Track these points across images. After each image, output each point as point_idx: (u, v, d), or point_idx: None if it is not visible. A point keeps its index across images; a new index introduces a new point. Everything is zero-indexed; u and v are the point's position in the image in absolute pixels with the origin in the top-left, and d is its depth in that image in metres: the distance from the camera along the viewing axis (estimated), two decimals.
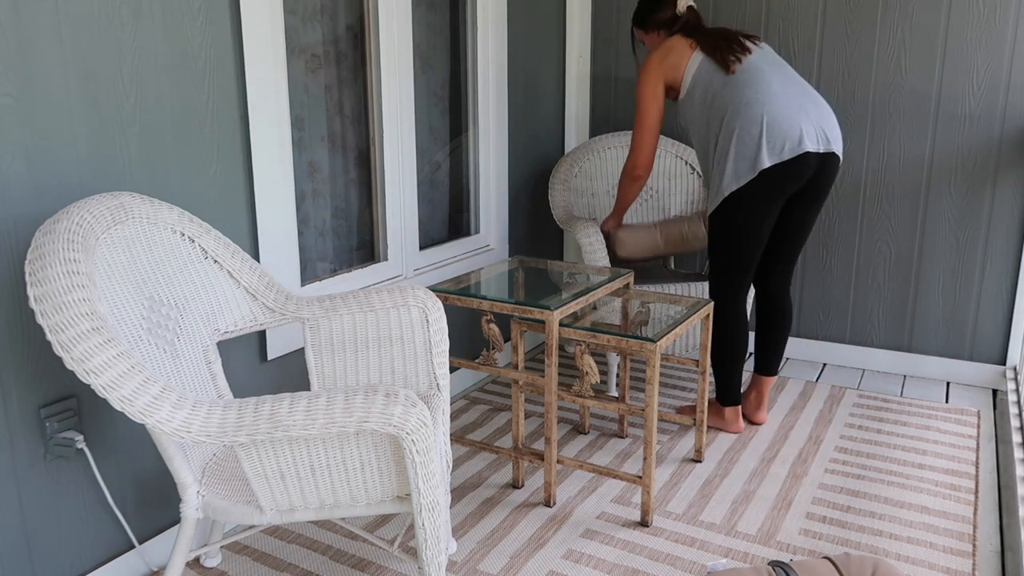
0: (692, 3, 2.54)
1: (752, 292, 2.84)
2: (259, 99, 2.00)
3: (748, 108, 2.30)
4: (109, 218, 1.51)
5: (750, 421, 2.71)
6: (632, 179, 2.55)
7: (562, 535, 2.05)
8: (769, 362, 2.65)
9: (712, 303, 2.40)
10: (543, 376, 2.16)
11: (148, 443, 1.87)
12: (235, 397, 1.75)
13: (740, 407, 2.63)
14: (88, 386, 1.67)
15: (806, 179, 2.34)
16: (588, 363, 2.12)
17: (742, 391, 2.80)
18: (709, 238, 2.49)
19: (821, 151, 2.31)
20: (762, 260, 2.58)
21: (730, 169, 2.32)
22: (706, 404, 2.43)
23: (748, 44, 2.42)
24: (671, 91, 2.50)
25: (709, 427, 2.67)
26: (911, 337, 3.13)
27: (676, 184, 3.23)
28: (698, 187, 3.22)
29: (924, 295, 3.08)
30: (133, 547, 1.86)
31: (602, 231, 2.82)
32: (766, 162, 2.27)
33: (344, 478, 1.41)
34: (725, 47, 2.40)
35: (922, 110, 2.96)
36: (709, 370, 2.42)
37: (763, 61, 2.38)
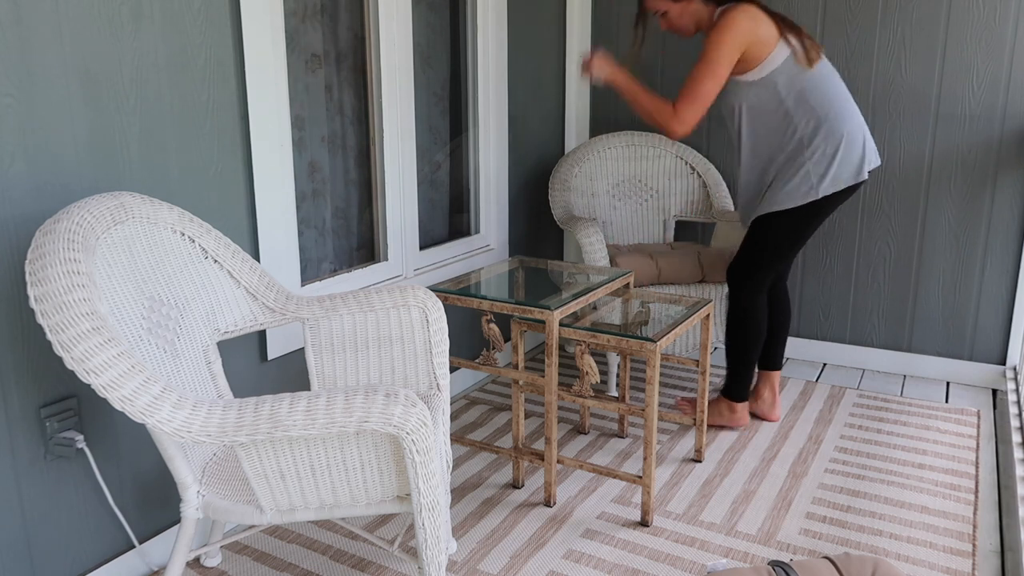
0: None
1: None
2: (259, 99, 2.00)
3: (851, 115, 2.31)
4: (109, 218, 1.51)
5: (765, 419, 2.71)
6: (667, 128, 2.25)
7: (562, 535, 2.05)
8: (778, 356, 2.67)
9: (711, 303, 2.40)
10: (543, 376, 2.16)
11: (148, 443, 1.87)
12: (235, 397, 1.75)
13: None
14: (88, 386, 1.67)
15: None
16: (588, 363, 2.12)
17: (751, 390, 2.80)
18: (757, 235, 2.42)
19: None
20: None
21: (832, 172, 2.29)
22: (706, 403, 2.43)
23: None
24: (735, 65, 2.30)
25: (712, 426, 2.66)
26: (911, 337, 3.13)
27: (676, 184, 3.23)
28: (698, 187, 3.22)
29: (924, 295, 3.08)
30: (133, 547, 1.86)
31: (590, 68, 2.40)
32: (865, 171, 2.32)
33: (344, 478, 1.41)
34: (806, 39, 2.31)
35: (922, 110, 2.96)
36: (709, 369, 2.41)
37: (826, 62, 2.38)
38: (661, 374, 3.18)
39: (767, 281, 2.48)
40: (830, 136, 2.29)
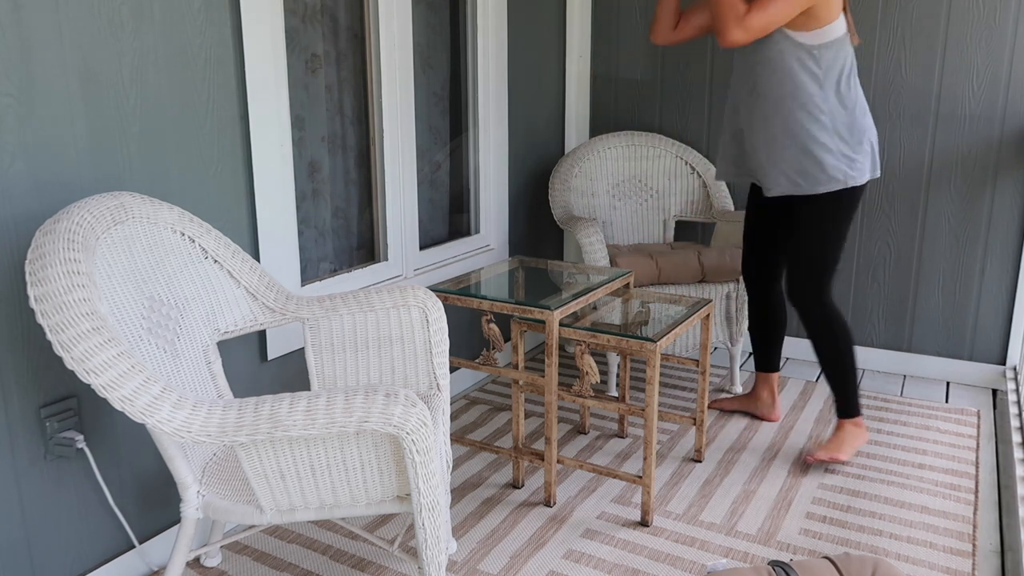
0: None
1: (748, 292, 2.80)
2: (259, 99, 2.00)
3: (869, 112, 2.28)
4: (109, 218, 1.51)
5: (765, 419, 2.72)
6: (727, 27, 2.11)
7: (562, 535, 2.05)
8: (776, 358, 2.66)
9: (711, 303, 2.39)
10: (543, 376, 2.16)
11: (148, 443, 1.87)
12: (235, 397, 1.75)
13: None
14: (88, 386, 1.67)
15: None
16: (588, 363, 2.12)
17: (748, 393, 2.79)
18: (813, 229, 2.29)
19: None
20: (778, 259, 2.57)
21: (861, 163, 2.22)
22: (706, 403, 2.43)
23: None
24: (797, 19, 2.14)
25: (851, 458, 2.41)
26: (911, 337, 3.13)
27: (676, 184, 3.23)
28: (698, 187, 3.22)
29: (924, 295, 3.08)
30: (133, 547, 1.86)
31: None
32: (878, 168, 2.29)
33: (344, 478, 1.41)
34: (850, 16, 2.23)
35: (922, 110, 2.96)
36: (709, 369, 2.41)
37: None
38: (661, 374, 3.18)
39: (829, 279, 2.33)
40: (855, 126, 2.21)
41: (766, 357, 2.67)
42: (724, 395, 2.95)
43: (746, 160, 2.38)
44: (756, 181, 2.38)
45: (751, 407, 2.75)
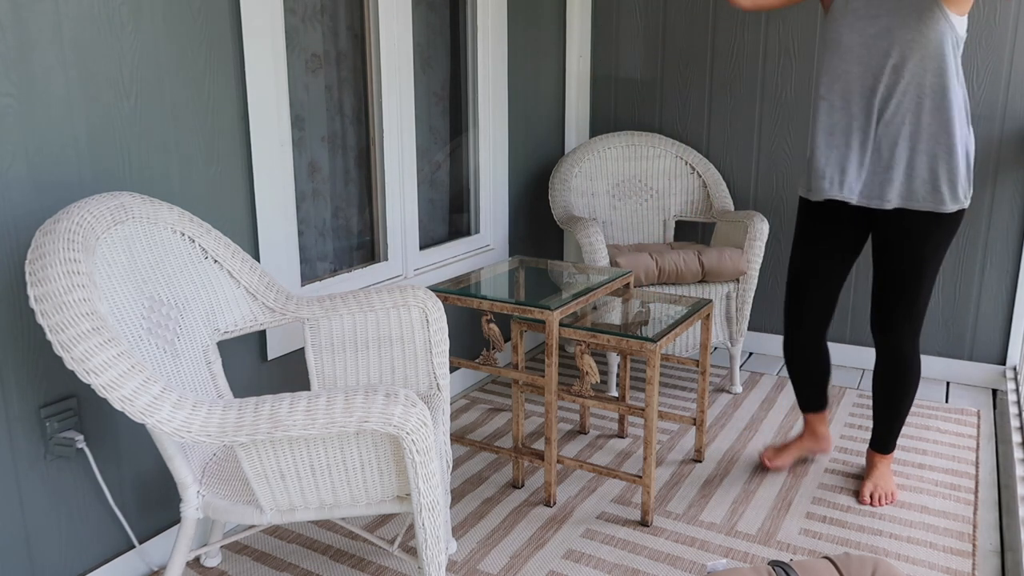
0: None
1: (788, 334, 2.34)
2: (259, 99, 2.00)
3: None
4: (109, 218, 1.51)
5: (824, 452, 2.47)
6: None
7: (562, 535, 2.05)
8: (827, 393, 2.38)
9: (711, 303, 2.39)
10: (543, 376, 2.16)
11: (148, 443, 1.87)
12: (235, 397, 1.75)
13: None
14: (88, 386, 1.67)
15: None
16: (588, 363, 2.12)
17: (802, 435, 2.46)
18: (917, 255, 1.98)
19: None
20: (835, 300, 2.24)
21: (971, 180, 1.96)
22: (706, 403, 2.43)
23: None
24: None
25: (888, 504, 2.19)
26: None
27: (676, 184, 3.23)
28: (698, 187, 3.22)
29: None
30: (133, 547, 1.86)
31: None
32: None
33: (344, 478, 1.41)
34: None
35: None
36: (709, 369, 2.41)
37: None
38: (661, 374, 3.18)
39: (923, 318, 2.09)
40: (971, 137, 1.93)
41: (817, 399, 2.34)
42: (770, 447, 2.43)
43: (869, 159, 1.99)
44: (866, 200, 1.99)
45: (815, 447, 2.39)
